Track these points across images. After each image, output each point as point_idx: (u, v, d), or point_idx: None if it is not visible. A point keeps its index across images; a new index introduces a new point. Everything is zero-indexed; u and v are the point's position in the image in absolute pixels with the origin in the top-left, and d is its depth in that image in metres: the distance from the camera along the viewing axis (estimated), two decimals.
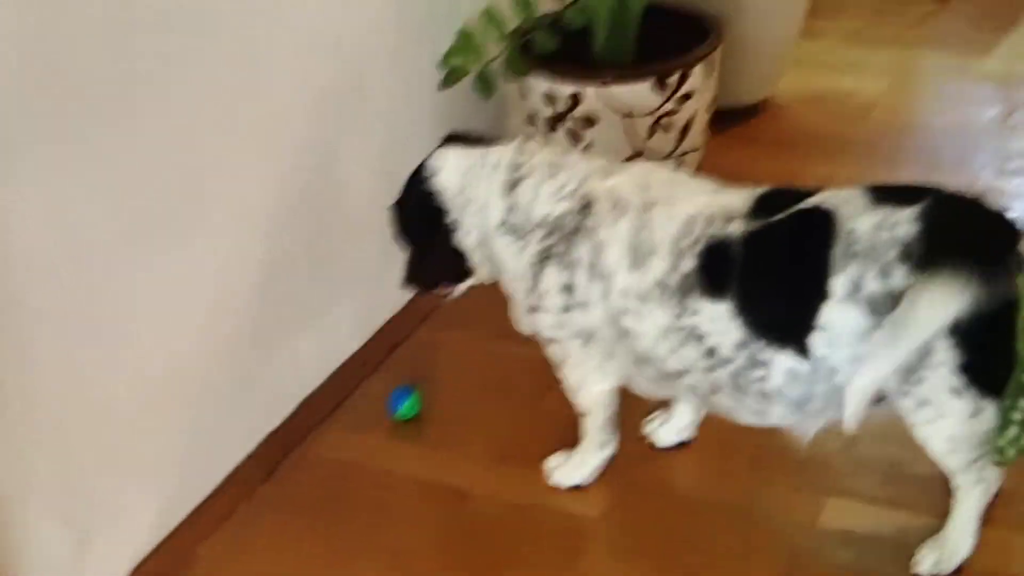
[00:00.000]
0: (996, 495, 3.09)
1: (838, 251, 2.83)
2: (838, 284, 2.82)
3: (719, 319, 2.95)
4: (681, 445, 3.53)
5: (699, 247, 2.98)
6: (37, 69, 2.69)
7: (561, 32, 4.10)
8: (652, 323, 3.03)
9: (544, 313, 3.20)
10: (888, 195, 2.88)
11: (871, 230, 2.81)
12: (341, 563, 3.25)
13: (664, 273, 3.00)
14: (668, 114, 4.06)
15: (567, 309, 3.15)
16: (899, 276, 2.77)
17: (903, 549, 3.12)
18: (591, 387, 3.29)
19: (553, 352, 3.28)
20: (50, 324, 2.84)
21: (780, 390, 2.95)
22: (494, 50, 4.07)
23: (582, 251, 3.11)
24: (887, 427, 3.24)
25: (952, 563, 3.05)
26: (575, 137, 4.05)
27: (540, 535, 3.29)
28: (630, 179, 3.16)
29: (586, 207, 3.13)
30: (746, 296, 2.93)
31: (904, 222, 2.80)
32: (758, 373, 2.95)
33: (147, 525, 3.23)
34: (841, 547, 3.17)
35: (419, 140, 3.80)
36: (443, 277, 3.43)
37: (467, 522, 3.36)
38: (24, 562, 2.88)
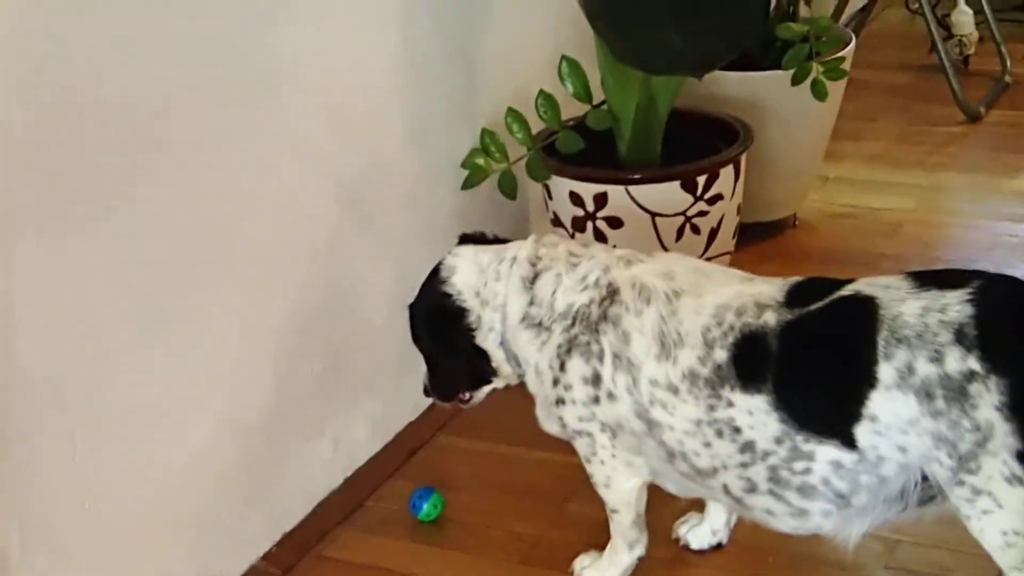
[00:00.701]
0: None
1: (883, 337, 2.72)
2: (886, 371, 2.70)
3: (756, 412, 2.83)
4: (714, 548, 3.36)
5: (732, 338, 2.87)
6: (39, 156, 2.65)
7: (586, 133, 4.02)
8: (683, 416, 2.92)
9: (570, 405, 3.09)
10: (931, 279, 2.79)
11: (918, 314, 2.71)
12: None
13: (695, 364, 2.89)
14: (697, 215, 3.96)
15: (595, 400, 3.05)
16: (953, 360, 2.65)
17: None
18: (620, 483, 3.16)
19: (580, 446, 3.16)
20: (60, 420, 2.79)
21: (824, 482, 2.82)
22: (518, 150, 3.98)
23: (607, 340, 3.01)
24: (932, 532, 3.13)
25: None
26: (602, 239, 3.95)
27: None
28: (655, 267, 3.07)
29: (610, 296, 3.03)
30: (785, 387, 2.81)
31: (955, 304, 2.69)
32: (799, 466, 2.83)
33: None
34: None
35: (439, 241, 3.73)
36: (463, 384, 3.33)
37: None
38: None
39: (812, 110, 4.65)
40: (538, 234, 3.25)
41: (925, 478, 2.79)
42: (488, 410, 3.87)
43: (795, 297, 2.87)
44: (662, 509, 3.36)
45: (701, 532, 3.38)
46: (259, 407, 3.35)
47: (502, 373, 3.26)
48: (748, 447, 2.86)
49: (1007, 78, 6.32)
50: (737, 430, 2.86)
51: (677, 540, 3.42)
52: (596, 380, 3.03)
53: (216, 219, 3.13)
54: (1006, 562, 2.80)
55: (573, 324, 3.06)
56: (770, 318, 2.84)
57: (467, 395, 3.35)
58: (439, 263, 3.24)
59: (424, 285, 3.26)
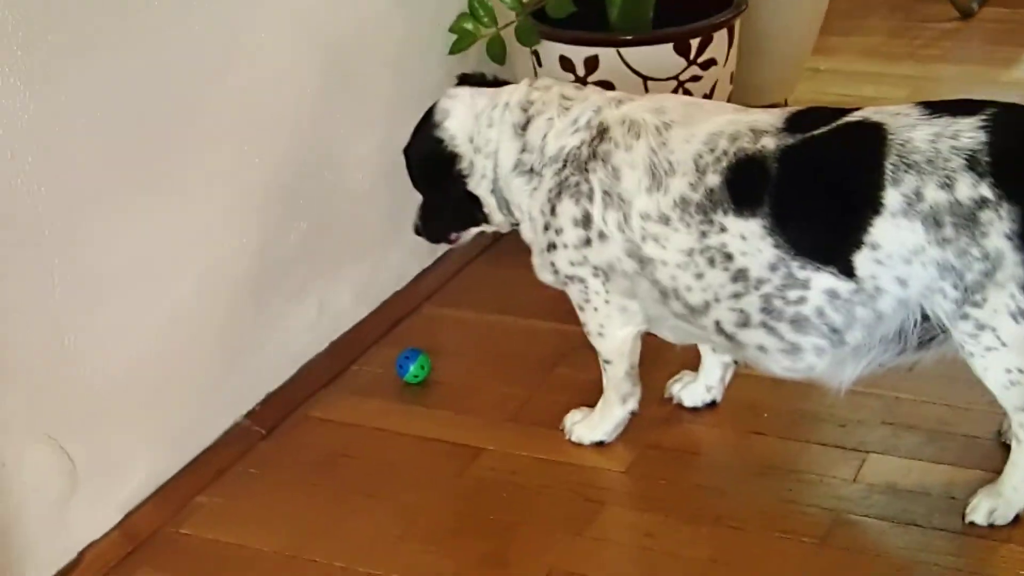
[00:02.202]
0: None
1: (891, 162, 2.64)
2: (892, 197, 2.63)
3: (750, 237, 2.76)
4: (708, 406, 3.28)
5: (725, 163, 2.80)
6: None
7: None
8: (675, 247, 2.84)
9: (561, 250, 3.03)
10: (942, 107, 2.70)
11: (929, 140, 2.63)
12: (344, 517, 3.03)
13: (686, 190, 2.82)
14: (690, 80, 3.88)
15: (586, 243, 2.98)
16: (965, 186, 2.58)
17: (952, 502, 2.92)
18: (614, 331, 3.08)
19: (573, 293, 3.09)
20: (36, 256, 2.71)
21: (819, 314, 2.74)
22: (507, 15, 3.89)
23: (597, 179, 2.94)
24: (931, 388, 3.07)
25: (1010, 513, 2.83)
26: None
27: (558, 488, 3.08)
28: (646, 103, 3.00)
29: (600, 135, 2.96)
30: (783, 211, 2.74)
31: (968, 130, 2.62)
32: (793, 295, 2.75)
33: (141, 472, 3.05)
34: (885, 499, 2.96)
35: (426, 106, 3.65)
36: (453, 226, 3.27)
37: (480, 477, 3.15)
38: (12, 498, 2.71)
39: None
40: (532, 78, 3.17)
41: (925, 318, 2.71)
42: (476, 280, 3.83)
43: (796, 123, 2.79)
44: (655, 368, 3.29)
45: (695, 390, 3.31)
46: (243, 265, 3.27)
47: (494, 220, 3.19)
48: (741, 275, 2.78)
49: None
50: (729, 257, 2.78)
51: (670, 399, 3.33)
52: (586, 221, 2.96)
53: (200, 71, 3.05)
54: (1010, 402, 2.73)
55: (564, 167, 2.99)
56: (768, 143, 2.76)
57: (455, 236, 3.27)
58: (434, 104, 3.16)
59: (418, 127, 3.20)
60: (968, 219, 2.58)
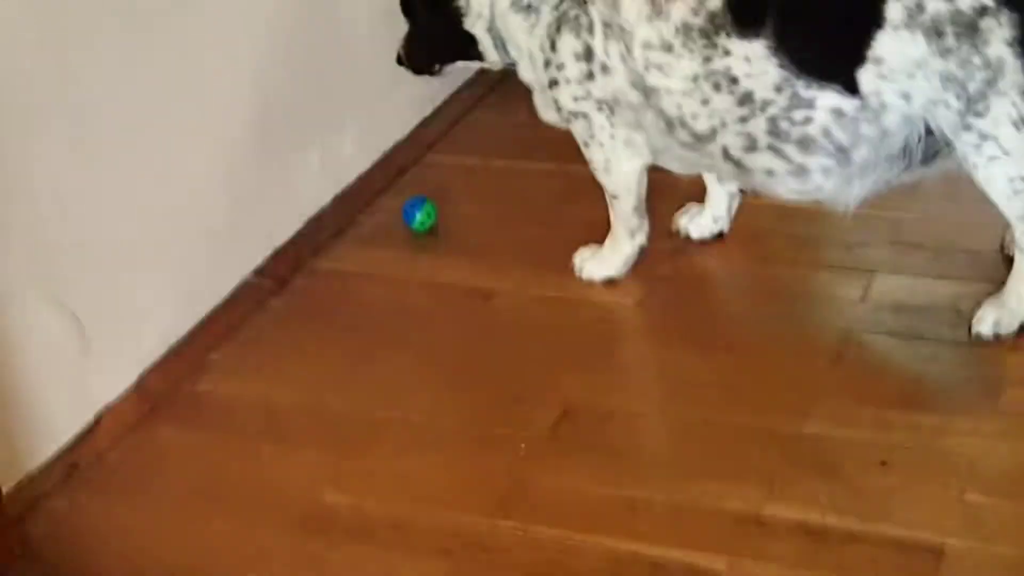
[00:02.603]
0: None
1: None
2: (894, 9, 2.62)
3: (754, 59, 2.75)
4: (715, 237, 3.29)
5: None
6: None
7: None
8: (679, 74, 2.83)
9: (564, 85, 3.02)
10: None
11: None
12: (360, 364, 3.05)
13: (687, 16, 2.81)
14: None
15: (589, 76, 2.97)
16: None
17: (958, 315, 2.94)
18: (620, 165, 3.09)
19: (577, 130, 3.09)
20: (62, 119, 2.71)
21: (825, 133, 2.74)
22: None
23: (596, 10, 2.92)
24: (934, 208, 3.07)
25: (1014, 322, 2.85)
26: None
27: (572, 325, 3.10)
28: None
29: None
30: (785, 30, 2.73)
31: None
32: (799, 115, 2.75)
33: (155, 330, 3.06)
34: (893, 316, 2.97)
35: None
36: (440, 56, 3.26)
37: (493, 318, 3.17)
38: (24, 362, 2.71)
39: None
40: None
41: (929, 133, 2.71)
42: (478, 127, 3.82)
43: None
44: (662, 203, 3.29)
45: (702, 221, 3.31)
46: (244, 115, 3.26)
47: (488, 59, 3.17)
48: (747, 98, 2.78)
49: None
50: (735, 80, 2.78)
51: (678, 232, 3.33)
52: (588, 55, 2.95)
53: None
54: (1013, 211, 2.75)
55: (562, 1, 2.97)
56: None
57: (438, 67, 3.27)
58: None
59: None
60: (969, 27, 2.57)
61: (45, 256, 2.74)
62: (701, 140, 2.88)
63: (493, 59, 3.16)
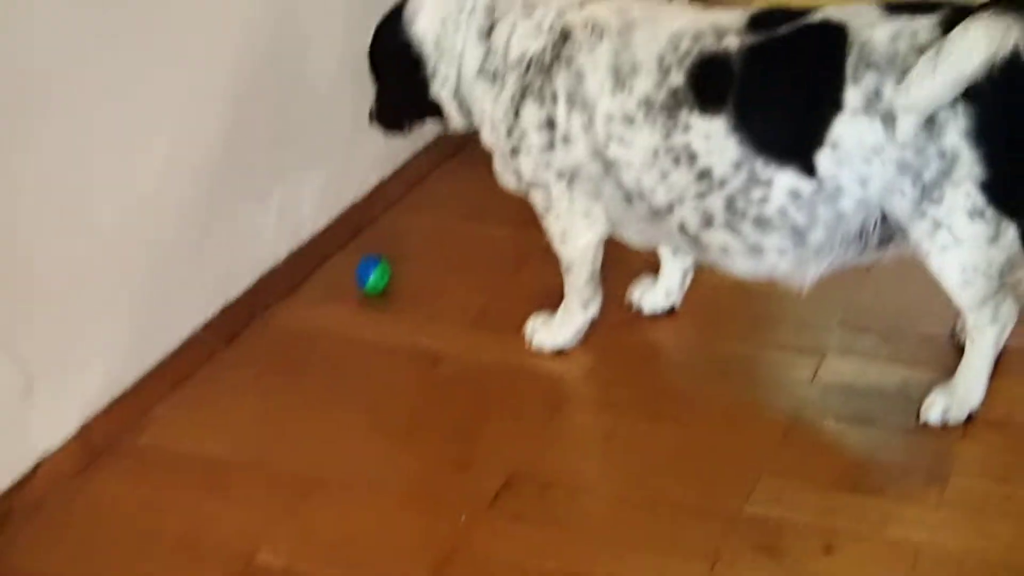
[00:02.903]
0: (1004, 349, 2.89)
1: (852, 61, 2.64)
2: (853, 95, 2.63)
3: (713, 136, 2.76)
4: (668, 311, 3.29)
5: (688, 62, 2.80)
6: None
7: None
8: (640, 147, 2.85)
9: (525, 154, 3.02)
10: (901, 7, 2.71)
11: (889, 39, 2.63)
12: (306, 423, 3.03)
13: (650, 90, 2.82)
14: None
15: (550, 146, 2.97)
16: None
17: (907, 401, 2.94)
18: (576, 237, 3.09)
19: (536, 199, 3.09)
20: (11, 166, 2.69)
21: (781, 213, 2.75)
22: None
23: (561, 81, 2.93)
24: (885, 291, 3.08)
25: (963, 411, 2.85)
26: None
27: (519, 392, 3.09)
28: (607, 5, 2.99)
29: (563, 38, 2.95)
30: (745, 110, 2.74)
31: (925, 30, 2.61)
32: (757, 194, 2.76)
33: (100, 380, 3.03)
34: (843, 400, 2.97)
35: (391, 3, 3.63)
36: (409, 116, 3.27)
37: (441, 381, 3.15)
38: None
39: None
40: None
41: (885, 218, 2.72)
42: (437, 188, 3.81)
43: (759, 23, 2.80)
44: (615, 274, 3.29)
45: (655, 295, 3.32)
46: (204, 167, 3.24)
47: (452, 123, 3.17)
48: (705, 174, 2.79)
49: None
50: (694, 156, 2.79)
51: (630, 305, 3.33)
52: (550, 125, 2.97)
53: None
54: (965, 301, 2.75)
55: (527, 71, 2.99)
56: (732, 42, 2.77)
57: (407, 125, 3.30)
58: (399, 7, 3.15)
59: (385, 25, 3.18)
60: (926, 117, 2.57)
61: None
62: (659, 214, 2.88)
63: (457, 123, 3.15)
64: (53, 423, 2.91)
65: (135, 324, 3.11)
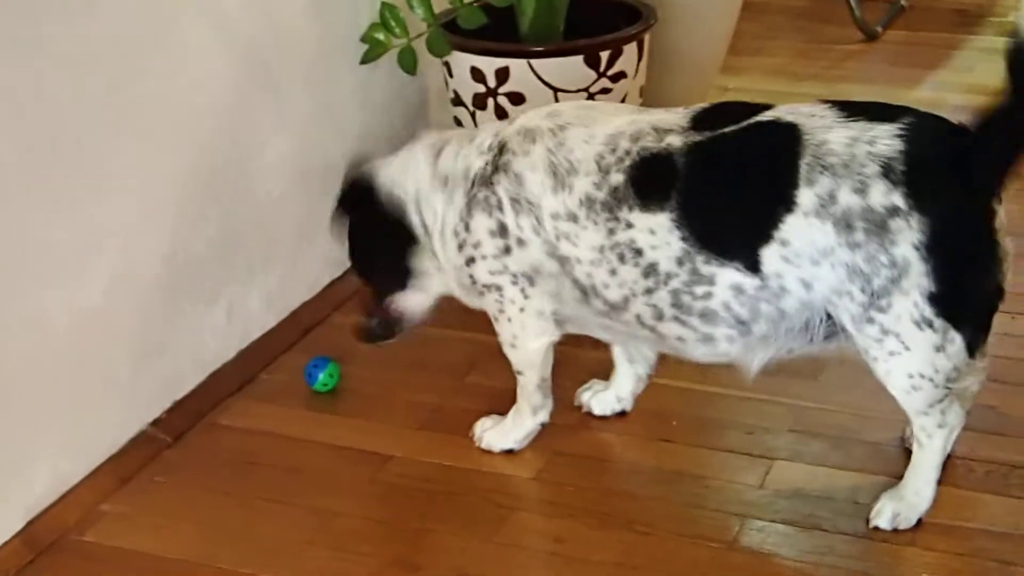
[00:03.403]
0: (950, 454, 2.92)
1: (807, 162, 2.66)
2: (806, 197, 2.65)
3: (658, 230, 2.79)
4: (618, 415, 3.30)
5: (628, 162, 2.83)
6: None
7: (488, 11, 3.94)
8: (586, 244, 2.87)
9: (480, 261, 3.04)
10: (858, 110, 2.73)
11: (846, 143, 2.66)
12: (252, 523, 3.01)
13: (590, 189, 2.85)
14: (600, 92, 3.90)
15: (505, 251, 2.99)
16: (878, 193, 2.62)
17: (857, 507, 2.96)
18: (527, 342, 3.10)
19: (489, 304, 3.10)
20: None
21: (725, 307, 2.79)
22: (419, 26, 3.90)
23: (502, 189, 2.96)
24: (836, 398, 3.11)
25: (913, 516, 2.87)
26: (503, 115, 3.87)
27: (468, 494, 3.08)
28: (538, 112, 3.04)
29: (500, 150, 3.00)
30: (689, 206, 2.77)
31: (885, 137, 2.65)
32: (700, 290, 2.79)
33: (46, 476, 3.00)
34: (792, 505, 2.98)
35: (340, 115, 3.71)
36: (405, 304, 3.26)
37: (390, 483, 3.14)
38: None
39: (713, 5, 4.59)
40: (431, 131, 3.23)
41: (830, 317, 2.74)
42: None
43: (703, 121, 2.82)
44: (565, 376, 3.30)
45: (605, 398, 3.32)
46: (154, 268, 3.25)
47: (427, 275, 3.21)
48: (651, 270, 2.82)
49: (903, 1, 6.31)
50: (639, 252, 2.82)
51: (580, 407, 3.33)
52: (503, 230, 2.98)
53: (117, 71, 3.04)
54: (912, 406, 2.77)
55: (472, 186, 3.02)
56: (674, 140, 2.80)
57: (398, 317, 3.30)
58: (353, 182, 3.19)
59: (348, 203, 3.21)
60: (879, 226, 2.62)
61: None
62: (615, 309, 2.91)
63: (434, 277, 3.21)
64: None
65: (82, 421, 3.09)
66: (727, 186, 2.77)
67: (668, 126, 2.82)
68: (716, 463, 3.15)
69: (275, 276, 3.70)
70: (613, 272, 2.86)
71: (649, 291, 2.83)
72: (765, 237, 2.69)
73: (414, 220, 3.13)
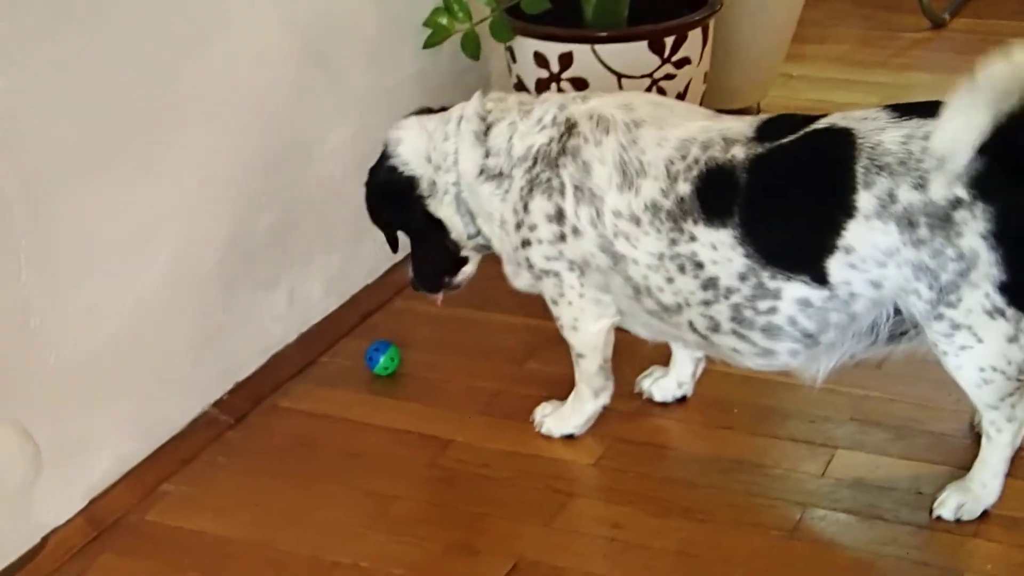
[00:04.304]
0: (1020, 449, 2.88)
1: (862, 165, 2.63)
2: (865, 200, 2.62)
3: (720, 246, 2.76)
4: (678, 401, 3.28)
5: (696, 171, 2.79)
6: None
7: None
8: (645, 249, 2.85)
9: (536, 245, 3.01)
10: (910, 110, 2.69)
11: (901, 141, 2.62)
12: (311, 505, 3.01)
13: (657, 196, 2.82)
14: (664, 78, 3.88)
15: (560, 238, 2.97)
16: (938, 186, 2.58)
17: (919, 497, 2.93)
18: (588, 325, 3.08)
19: (547, 288, 3.08)
20: (5, 235, 2.68)
21: (791, 322, 2.76)
22: (483, 11, 3.89)
23: (567, 173, 2.93)
24: (897, 388, 3.08)
25: (977, 508, 2.84)
26: None
27: (527, 480, 3.07)
28: (613, 99, 2.99)
29: (568, 130, 2.95)
30: (753, 222, 2.73)
31: None
32: (764, 305, 2.76)
33: (107, 458, 3.03)
34: (853, 495, 2.96)
35: (401, 100, 3.69)
36: (442, 267, 3.27)
37: (449, 468, 3.13)
38: None
39: None
40: (482, 92, 3.16)
41: (898, 312, 2.71)
42: None
43: (766, 132, 2.79)
44: (626, 363, 3.29)
45: (666, 384, 3.30)
46: (214, 250, 3.26)
47: (461, 244, 3.20)
48: (711, 284, 2.79)
49: None
50: (700, 265, 2.79)
51: (640, 393, 3.32)
52: (560, 216, 2.96)
53: (178, 54, 3.05)
54: (982, 400, 2.74)
55: (534, 164, 2.98)
56: (739, 152, 2.76)
57: (448, 279, 3.28)
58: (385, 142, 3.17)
59: (374, 166, 3.20)
60: (943, 219, 2.58)
61: (5, 377, 2.72)
62: (668, 311, 2.89)
63: (467, 244, 3.20)
64: (60, 499, 2.90)
65: (146, 403, 3.11)
66: (787, 198, 2.74)
67: (735, 136, 2.79)
68: (777, 452, 3.12)
69: (335, 261, 3.70)
70: (670, 280, 2.84)
71: (707, 303, 2.82)
72: (829, 247, 2.66)
73: (442, 209, 3.15)
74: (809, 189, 2.72)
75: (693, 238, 2.78)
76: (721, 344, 2.87)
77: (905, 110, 2.69)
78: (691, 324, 2.87)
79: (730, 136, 2.79)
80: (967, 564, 2.73)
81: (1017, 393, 2.73)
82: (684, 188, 2.79)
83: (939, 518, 2.84)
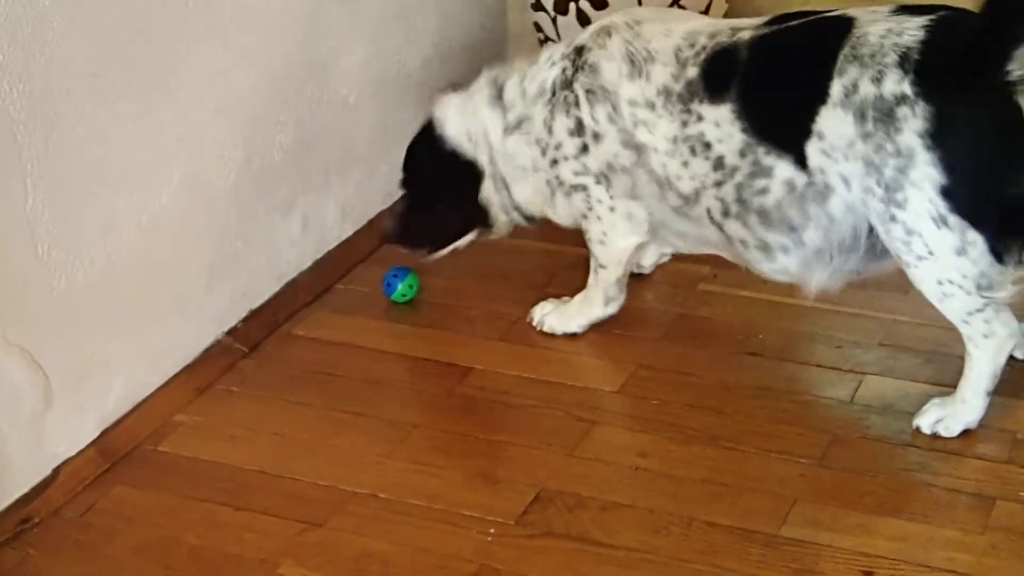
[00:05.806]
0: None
1: (844, 53, 2.65)
2: (836, 87, 2.65)
3: (722, 123, 2.80)
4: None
5: (704, 56, 2.85)
6: None
7: None
8: (661, 133, 2.88)
9: (563, 162, 3.06)
10: (912, 9, 2.68)
11: (881, 35, 2.63)
12: (329, 434, 2.95)
13: (668, 81, 2.87)
14: None
15: (583, 149, 3.02)
16: (891, 82, 2.59)
17: None
18: (616, 240, 3.11)
19: (578, 203, 3.10)
20: (9, 159, 2.59)
21: (777, 207, 2.77)
22: None
23: (579, 84, 3.00)
24: (927, 312, 3.01)
25: (956, 425, 2.80)
26: (585, 20, 3.77)
27: (549, 407, 3.00)
28: (615, 14, 3.07)
29: (578, 53, 3.03)
30: (748, 97, 2.77)
31: (912, 28, 2.61)
32: (760, 183, 2.79)
33: (119, 388, 2.96)
34: (882, 421, 2.89)
35: (416, 23, 3.60)
36: (452, 235, 3.32)
37: (469, 396, 3.07)
38: None
39: None
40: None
41: (872, 229, 2.70)
42: None
43: (777, 20, 2.83)
44: (648, 290, 3.30)
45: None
46: (228, 176, 3.18)
47: (497, 222, 3.28)
48: (719, 163, 2.83)
49: None
50: (708, 145, 2.83)
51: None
52: (580, 128, 3.01)
53: None
54: (950, 315, 2.73)
55: (553, 94, 3.06)
56: (744, 34, 2.80)
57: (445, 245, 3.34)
58: (425, 124, 3.22)
59: (419, 139, 3.25)
60: (886, 114, 2.59)
61: (14, 304, 2.64)
62: (688, 202, 2.92)
63: (502, 220, 3.29)
64: (72, 429, 2.84)
65: (158, 332, 3.05)
66: (780, 77, 2.77)
67: (744, 26, 2.83)
68: (805, 378, 3.06)
69: (351, 185, 3.63)
70: (685, 164, 2.87)
71: (718, 184, 2.84)
72: (807, 130, 2.69)
73: (487, 186, 3.22)
74: (798, 70, 2.75)
75: (700, 118, 2.84)
76: (733, 233, 2.90)
77: (908, 9, 2.69)
78: (708, 211, 2.90)
79: (740, 26, 2.85)
80: (999, 491, 2.67)
81: (989, 309, 2.69)
82: (692, 72, 2.86)
83: (917, 427, 2.78)
